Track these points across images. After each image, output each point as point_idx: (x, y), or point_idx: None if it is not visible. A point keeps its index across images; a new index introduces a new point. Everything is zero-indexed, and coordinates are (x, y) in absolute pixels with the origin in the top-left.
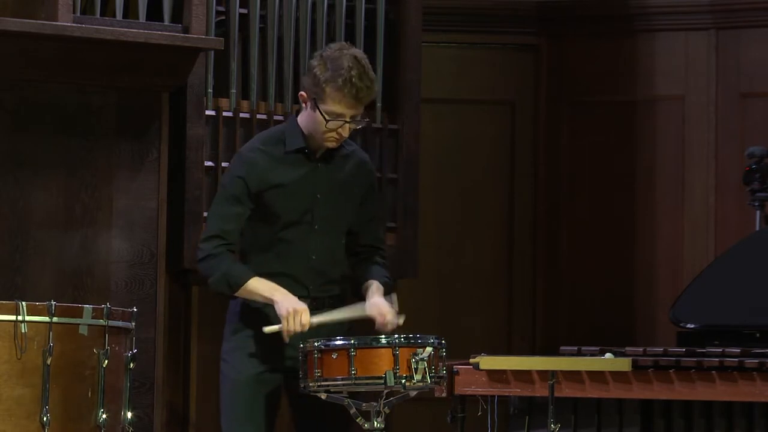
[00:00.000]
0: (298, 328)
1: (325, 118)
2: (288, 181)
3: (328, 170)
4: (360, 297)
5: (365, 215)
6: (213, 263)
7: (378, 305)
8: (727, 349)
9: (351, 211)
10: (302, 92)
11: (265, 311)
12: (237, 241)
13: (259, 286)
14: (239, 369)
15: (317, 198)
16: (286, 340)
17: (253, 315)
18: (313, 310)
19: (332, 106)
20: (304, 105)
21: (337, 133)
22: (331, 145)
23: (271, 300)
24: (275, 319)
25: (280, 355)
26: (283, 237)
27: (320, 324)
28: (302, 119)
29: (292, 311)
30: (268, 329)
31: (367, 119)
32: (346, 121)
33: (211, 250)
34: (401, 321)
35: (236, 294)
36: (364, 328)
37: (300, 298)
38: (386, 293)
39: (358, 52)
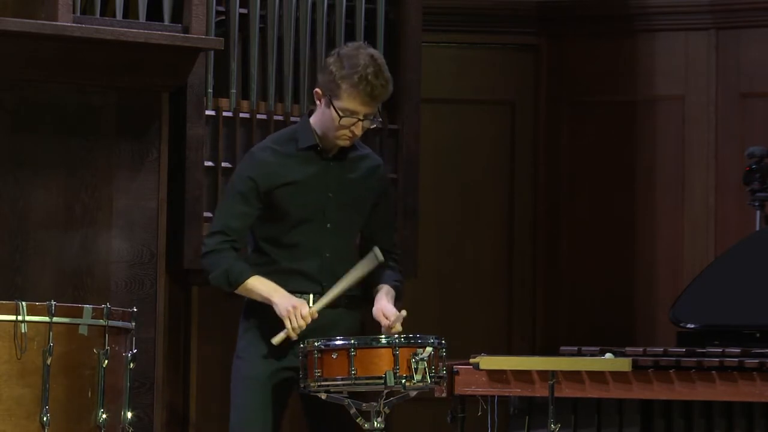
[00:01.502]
0: (301, 323)
1: (339, 115)
2: (300, 178)
3: (340, 169)
4: (370, 300)
5: (379, 220)
6: (215, 259)
7: (383, 309)
8: (727, 349)
9: (363, 212)
10: (317, 89)
11: (272, 310)
12: (242, 239)
13: (258, 286)
14: (255, 367)
15: (329, 197)
16: (294, 337)
17: (266, 313)
18: (327, 308)
19: (347, 103)
20: (318, 102)
21: (351, 131)
22: (343, 143)
23: (269, 301)
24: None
25: (292, 352)
26: (296, 234)
27: (322, 307)
28: (315, 118)
29: (291, 308)
30: (276, 340)
31: (380, 119)
32: (360, 119)
33: (215, 246)
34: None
35: (236, 291)
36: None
37: (314, 294)
38: (397, 297)
39: (375, 51)
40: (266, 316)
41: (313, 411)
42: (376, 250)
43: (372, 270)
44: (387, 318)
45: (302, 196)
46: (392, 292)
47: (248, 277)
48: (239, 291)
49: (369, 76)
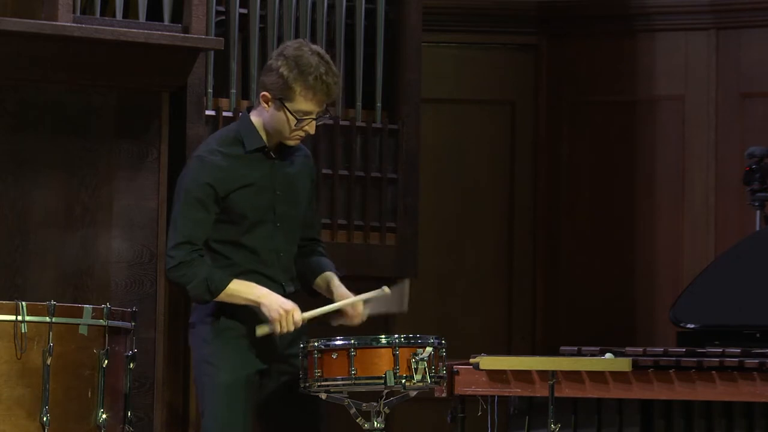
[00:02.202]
0: (291, 328)
1: (295, 118)
2: (252, 180)
3: (282, 166)
4: (308, 290)
5: (310, 209)
6: (188, 271)
7: (348, 297)
8: (727, 349)
9: (303, 205)
10: (264, 92)
11: (244, 310)
12: (203, 245)
13: (241, 289)
14: (233, 373)
15: (277, 195)
16: (279, 333)
17: (236, 315)
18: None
19: (302, 104)
20: (265, 105)
21: (304, 131)
22: (294, 143)
23: (256, 302)
24: (254, 317)
25: (260, 355)
26: (252, 236)
27: (311, 318)
28: (260, 118)
29: (284, 312)
30: (260, 333)
31: (329, 114)
32: (313, 119)
33: (184, 257)
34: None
35: (217, 298)
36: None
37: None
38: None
39: (319, 48)
40: (236, 319)
41: (272, 407)
42: (385, 288)
43: (376, 298)
44: (354, 308)
45: (256, 198)
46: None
47: (229, 282)
48: (221, 298)
49: (323, 76)
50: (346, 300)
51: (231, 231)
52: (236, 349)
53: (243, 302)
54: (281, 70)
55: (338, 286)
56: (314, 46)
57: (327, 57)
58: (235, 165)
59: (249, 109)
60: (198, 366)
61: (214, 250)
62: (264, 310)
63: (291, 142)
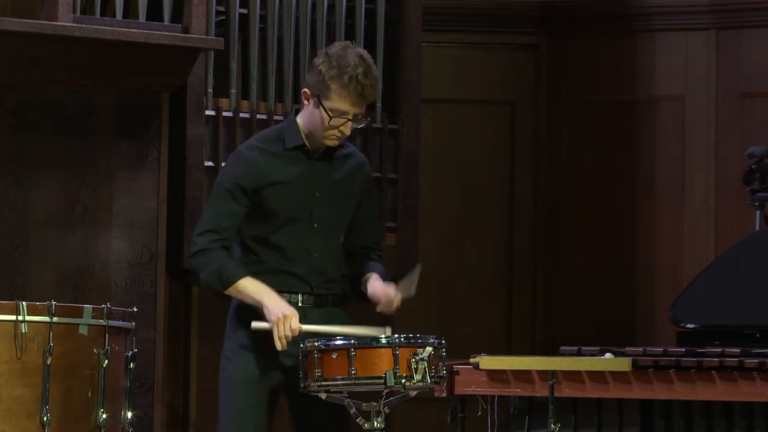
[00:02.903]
0: (288, 333)
1: (329, 116)
2: (287, 178)
3: (326, 169)
4: (359, 294)
5: (363, 217)
6: (206, 258)
7: (382, 288)
8: (727, 349)
9: (349, 211)
10: (305, 89)
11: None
12: (231, 238)
13: (249, 287)
14: (244, 367)
15: (316, 196)
16: (279, 347)
17: (256, 314)
18: (315, 308)
19: (337, 103)
20: (306, 102)
21: (339, 131)
22: (331, 143)
23: (260, 303)
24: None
25: (284, 353)
26: (283, 234)
27: (309, 332)
28: (303, 117)
29: (282, 317)
30: (255, 325)
31: (369, 119)
32: (349, 119)
33: (206, 245)
34: (413, 292)
35: (226, 291)
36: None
37: (303, 294)
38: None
39: (363, 51)
40: (256, 318)
41: (301, 409)
42: (387, 330)
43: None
44: (388, 295)
45: (289, 196)
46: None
47: (241, 278)
48: (230, 291)
49: (359, 76)
50: (343, 328)
51: (261, 227)
52: (252, 345)
53: (250, 301)
54: (321, 67)
55: (374, 280)
56: (360, 49)
57: (369, 60)
58: (272, 161)
59: (297, 111)
60: (221, 360)
61: (245, 245)
62: (265, 311)
63: (328, 142)
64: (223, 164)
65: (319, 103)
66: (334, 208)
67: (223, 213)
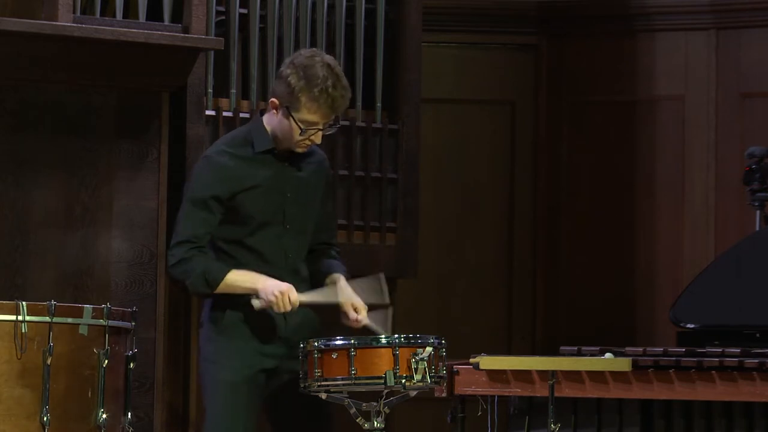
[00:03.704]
0: (288, 307)
1: (300, 127)
2: (258, 182)
3: (293, 169)
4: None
5: (324, 213)
6: (187, 266)
7: (353, 300)
8: (727, 349)
9: (315, 208)
10: (273, 98)
11: (247, 308)
12: (206, 244)
13: (239, 278)
14: (233, 371)
15: (287, 197)
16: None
17: (236, 313)
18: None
19: (307, 115)
20: (274, 111)
21: (310, 140)
22: (301, 150)
23: (254, 289)
24: (256, 316)
25: (265, 354)
26: (259, 237)
27: (308, 303)
28: (270, 121)
29: (279, 293)
30: (256, 303)
31: (338, 124)
32: (320, 129)
33: (183, 255)
34: (386, 301)
35: (217, 290)
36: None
37: None
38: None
39: (330, 58)
40: (237, 317)
41: (279, 409)
42: (382, 276)
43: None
44: (357, 311)
45: (263, 199)
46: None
47: (227, 273)
48: (220, 289)
49: (329, 89)
50: (334, 295)
51: (236, 231)
52: (238, 347)
53: (242, 291)
54: (289, 78)
55: (344, 287)
56: (327, 57)
57: (338, 69)
58: (242, 166)
59: (262, 112)
60: (201, 364)
61: (220, 249)
62: (261, 294)
63: (298, 149)
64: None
65: (288, 115)
66: (303, 207)
67: (196, 221)
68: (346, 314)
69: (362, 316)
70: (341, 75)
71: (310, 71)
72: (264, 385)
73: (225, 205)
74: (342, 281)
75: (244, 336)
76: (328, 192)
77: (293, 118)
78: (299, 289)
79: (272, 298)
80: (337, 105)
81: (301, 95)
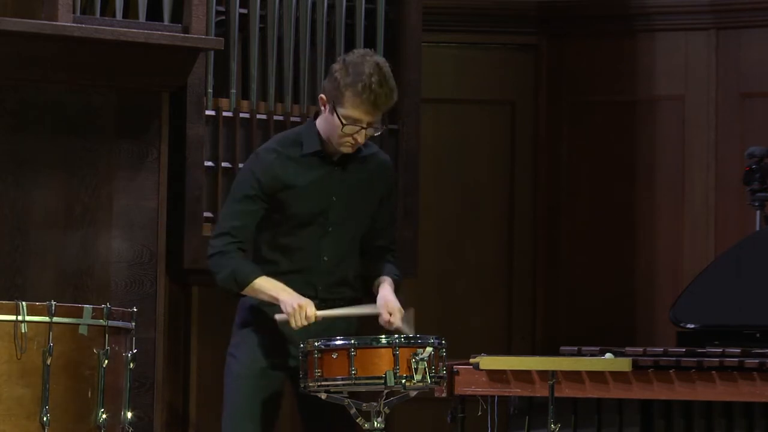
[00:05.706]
0: (304, 322)
1: (342, 122)
2: (303, 182)
3: (344, 173)
4: (371, 294)
5: (382, 217)
6: (221, 261)
7: (387, 302)
8: (727, 349)
9: (367, 214)
10: (322, 95)
11: (272, 309)
12: (248, 239)
13: (266, 285)
14: (244, 363)
15: (332, 200)
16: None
17: (261, 311)
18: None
19: (350, 110)
20: (323, 108)
21: (353, 139)
22: (346, 150)
23: (276, 299)
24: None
25: (284, 353)
26: (296, 237)
27: (326, 317)
28: (320, 122)
29: (297, 307)
30: (278, 317)
31: (384, 127)
32: (363, 127)
33: (221, 248)
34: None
35: (243, 292)
36: (370, 327)
37: (309, 298)
38: (396, 289)
39: (381, 59)
40: (262, 316)
41: (309, 410)
42: (411, 312)
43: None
44: (390, 313)
45: (305, 200)
46: (393, 285)
47: (256, 278)
48: (246, 291)
49: (373, 85)
50: (356, 309)
51: (274, 230)
52: (256, 341)
53: (266, 298)
54: (337, 74)
55: (384, 289)
56: (378, 57)
57: (386, 69)
58: (289, 165)
59: (317, 115)
60: (226, 357)
61: (258, 248)
62: (282, 306)
63: (343, 149)
64: (224, 164)
65: (333, 110)
66: (351, 211)
67: (238, 215)
68: (380, 315)
69: (395, 319)
70: (389, 75)
71: (358, 68)
72: (288, 384)
73: (267, 201)
74: (385, 283)
75: (264, 334)
76: (388, 195)
77: (337, 114)
78: (335, 293)
79: (290, 310)
80: (380, 102)
81: (345, 90)
